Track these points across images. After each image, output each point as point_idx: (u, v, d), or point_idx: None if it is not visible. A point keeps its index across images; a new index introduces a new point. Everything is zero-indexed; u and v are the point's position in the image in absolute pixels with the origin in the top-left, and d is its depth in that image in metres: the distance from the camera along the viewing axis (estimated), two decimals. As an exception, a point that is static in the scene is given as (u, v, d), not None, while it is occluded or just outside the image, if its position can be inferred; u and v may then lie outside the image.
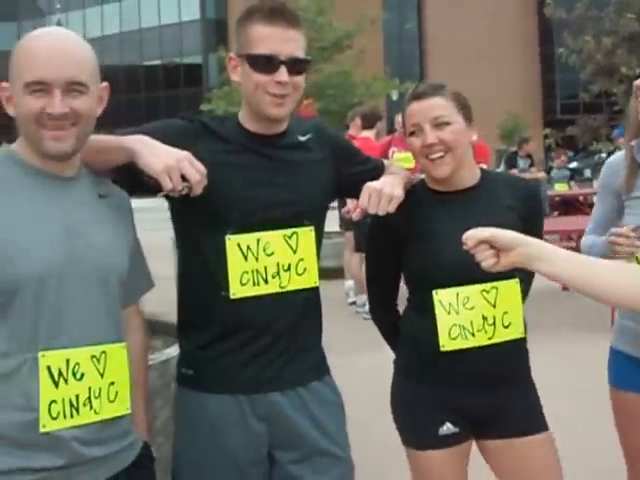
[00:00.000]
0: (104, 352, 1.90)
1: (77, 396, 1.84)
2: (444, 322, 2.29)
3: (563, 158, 15.19)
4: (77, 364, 1.84)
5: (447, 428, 2.35)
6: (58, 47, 1.86)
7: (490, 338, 2.30)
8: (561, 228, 9.61)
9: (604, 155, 21.09)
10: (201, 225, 2.20)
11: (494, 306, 2.31)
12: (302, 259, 2.24)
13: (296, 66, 2.18)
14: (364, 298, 8.15)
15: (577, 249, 2.58)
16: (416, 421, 2.39)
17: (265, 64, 2.16)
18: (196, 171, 1.95)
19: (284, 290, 2.21)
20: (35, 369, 1.79)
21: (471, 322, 2.30)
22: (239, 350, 2.20)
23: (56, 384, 1.81)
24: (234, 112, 2.35)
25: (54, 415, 1.80)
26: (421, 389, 2.38)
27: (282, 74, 2.15)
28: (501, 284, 2.31)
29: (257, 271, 2.18)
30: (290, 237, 2.22)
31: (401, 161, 8.50)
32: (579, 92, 23.21)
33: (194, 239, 2.23)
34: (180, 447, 2.28)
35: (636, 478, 2.73)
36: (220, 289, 2.18)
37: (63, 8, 53.46)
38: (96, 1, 56.68)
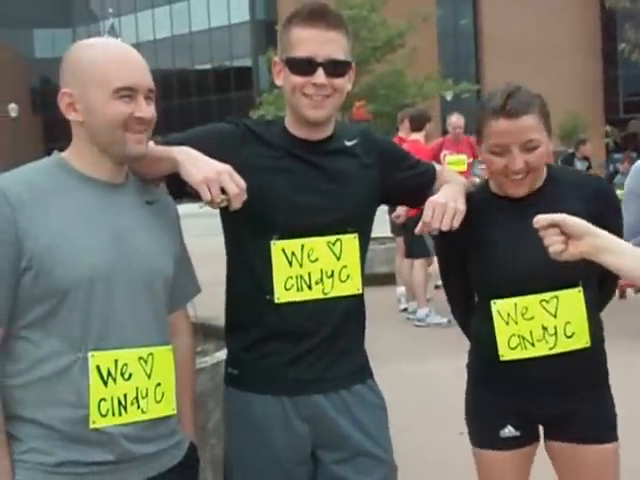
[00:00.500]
0: (151, 354, 1.95)
1: (125, 395, 1.89)
2: (503, 332, 2.28)
3: (627, 165, 14.84)
4: (125, 365, 1.89)
5: (508, 431, 2.36)
6: (133, 56, 1.94)
7: (551, 348, 2.27)
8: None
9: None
10: (247, 229, 2.22)
11: (555, 316, 2.27)
12: (345, 266, 2.24)
13: (335, 68, 2.17)
14: (415, 305, 8.06)
15: None
16: (480, 422, 2.42)
17: (303, 66, 2.16)
18: (235, 185, 1.96)
19: (327, 296, 2.22)
20: (85, 368, 1.85)
21: (530, 332, 2.27)
22: (281, 352, 2.22)
23: (105, 383, 1.87)
24: (281, 117, 2.35)
25: (103, 412, 1.86)
26: (486, 393, 2.40)
27: (319, 76, 2.15)
28: (562, 293, 2.26)
29: (301, 277, 2.20)
30: (334, 244, 2.23)
31: (453, 164, 8.41)
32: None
33: (241, 243, 2.26)
34: (230, 448, 2.31)
35: None
36: (265, 293, 2.20)
37: (115, 12, 53.60)
38: (147, 5, 56.87)
